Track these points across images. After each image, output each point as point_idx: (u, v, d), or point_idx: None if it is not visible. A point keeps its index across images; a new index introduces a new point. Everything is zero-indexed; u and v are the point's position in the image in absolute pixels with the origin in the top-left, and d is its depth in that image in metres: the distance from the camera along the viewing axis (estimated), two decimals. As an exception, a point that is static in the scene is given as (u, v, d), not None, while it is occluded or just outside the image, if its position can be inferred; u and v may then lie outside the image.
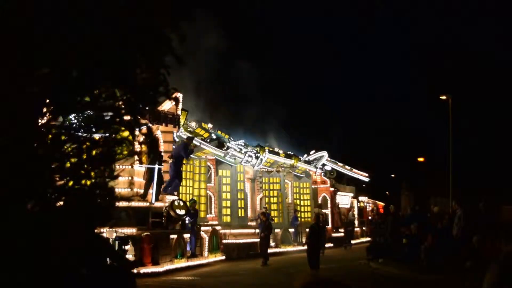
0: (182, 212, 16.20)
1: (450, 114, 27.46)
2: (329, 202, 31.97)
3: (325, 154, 34.25)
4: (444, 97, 28.03)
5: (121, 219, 13.98)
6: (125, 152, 4.70)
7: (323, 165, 32.11)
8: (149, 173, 16.04)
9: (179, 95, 16.99)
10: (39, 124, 4.47)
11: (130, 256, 13.97)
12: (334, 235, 29.70)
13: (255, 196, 25.72)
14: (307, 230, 23.59)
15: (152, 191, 15.79)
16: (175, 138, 18.55)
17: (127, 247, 13.10)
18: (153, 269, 14.67)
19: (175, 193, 17.35)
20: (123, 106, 4.63)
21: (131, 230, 14.51)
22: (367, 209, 43.79)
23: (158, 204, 15.97)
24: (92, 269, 4.25)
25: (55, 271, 3.96)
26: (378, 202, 48.73)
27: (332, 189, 32.48)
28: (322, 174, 32.07)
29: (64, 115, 4.51)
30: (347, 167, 36.84)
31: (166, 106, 17.06)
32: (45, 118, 4.48)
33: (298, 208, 28.19)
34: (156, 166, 15.94)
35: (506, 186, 33.74)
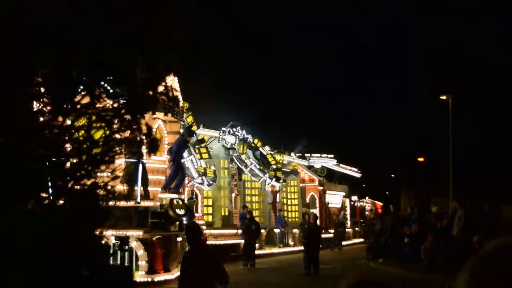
0: (182, 212, 15.05)
1: (450, 114, 27.45)
2: (317, 201, 30.82)
3: (333, 161, 33.60)
4: (444, 97, 28.01)
5: (120, 219, 13.33)
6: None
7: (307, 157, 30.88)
8: (132, 169, 14.41)
9: (174, 79, 15.48)
10: (39, 124, 4.47)
11: (143, 263, 13.13)
12: (322, 236, 28.98)
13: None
14: (304, 230, 23.22)
15: (137, 189, 14.28)
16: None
17: (126, 247, 12.61)
18: (166, 277, 13.56)
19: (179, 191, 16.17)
20: (123, 106, 4.63)
21: (137, 233, 13.36)
22: (366, 209, 43.73)
23: (147, 204, 14.61)
24: (92, 269, 4.25)
25: (55, 271, 3.96)
26: (376, 202, 48.76)
27: (321, 187, 31.32)
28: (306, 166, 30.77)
29: (64, 115, 4.50)
30: (344, 166, 35.92)
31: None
32: (45, 118, 4.48)
33: (285, 208, 27.14)
34: (141, 160, 14.26)
35: (506, 186, 33.76)
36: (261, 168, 24.62)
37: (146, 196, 14.56)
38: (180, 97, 16.61)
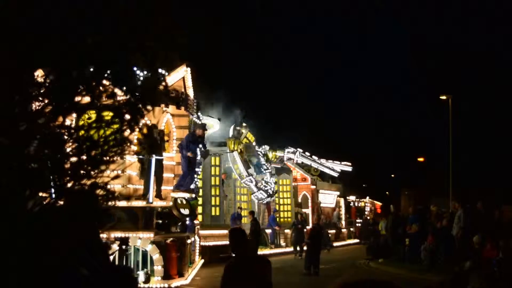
0: (186, 211, 14.44)
1: (450, 114, 27.45)
2: (309, 201, 30.23)
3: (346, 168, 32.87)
4: (444, 97, 28.01)
5: (122, 220, 12.30)
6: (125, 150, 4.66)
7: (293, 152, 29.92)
8: (146, 166, 13.68)
9: (187, 70, 14.90)
10: (39, 124, 4.47)
11: (158, 268, 12.52)
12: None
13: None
14: (296, 230, 22.84)
15: (149, 188, 13.50)
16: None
17: (126, 247, 12.40)
18: (181, 282, 13.04)
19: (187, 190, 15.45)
20: (123, 106, 4.63)
21: (148, 235, 12.70)
22: (366, 210, 43.60)
23: (159, 204, 13.92)
24: (92, 269, 4.24)
25: (55, 271, 3.96)
26: (376, 202, 48.71)
27: (313, 187, 30.66)
28: (296, 159, 29.87)
29: (64, 115, 4.50)
30: (322, 160, 34.03)
31: (168, 81, 14.78)
32: (45, 118, 4.48)
33: (277, 208, 26.54)
34: (153, 157, 13.45)
35: (506, 186, 33.77)
36: (253, 174, 23.93)
37: (158, 195, 13.76)
38: (191, 90, 15.84)
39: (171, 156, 15.56)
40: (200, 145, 16.22)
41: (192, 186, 16.43)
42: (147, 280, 12.35)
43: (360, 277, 2.76)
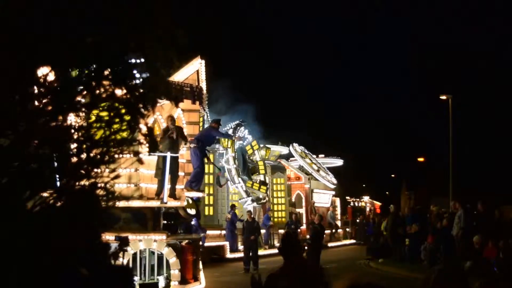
0: (192, 211, 14.06)
1: (450, 114, 27.44)
2: (303, 200, 29.68)
3: (339, 162, 32.32)
4: (444, 97, 27.99)
5: (126, 221, 11.82)
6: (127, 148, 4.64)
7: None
8: (160, 164, 12.58)
9: (202, 62, 14.19)
10: (39, 124, 4.46)
11: (175, 272, 11.92)
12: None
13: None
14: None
15: (164, 187, 12.47)
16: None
17: (126, 247, 12.09)
18: (198, 286, 12.56)
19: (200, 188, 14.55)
20: (123, 107, 4.62)
21: (160, 237, 11.96)
22: (366, 210, 43.59)
23: (174, 204, 12.88)
24: (92, 269, 4.24)
25: (55, 271, 3.95)
26: (375, 202, 48.72)
27: (307, 186, 30.14)
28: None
29: (64, 115, 4.50)
30: (315, 157, 33.31)
31: (182, 75, 13.57)
32: (45, 118, 4.47)
33: (272, 207, 26.20)
34: (168, 154, 12.39)
35: (506, 185, 33.76)
36: (241, 175, 23.33)
37: (172, 194, 12.75)
38: (204, 83, 14.86)
39: (180, 154, 15.03)
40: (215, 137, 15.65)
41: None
42: (167, 286, 11.89)
43: (361, 277, 2.73)
